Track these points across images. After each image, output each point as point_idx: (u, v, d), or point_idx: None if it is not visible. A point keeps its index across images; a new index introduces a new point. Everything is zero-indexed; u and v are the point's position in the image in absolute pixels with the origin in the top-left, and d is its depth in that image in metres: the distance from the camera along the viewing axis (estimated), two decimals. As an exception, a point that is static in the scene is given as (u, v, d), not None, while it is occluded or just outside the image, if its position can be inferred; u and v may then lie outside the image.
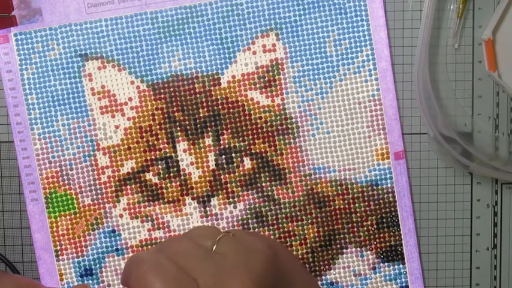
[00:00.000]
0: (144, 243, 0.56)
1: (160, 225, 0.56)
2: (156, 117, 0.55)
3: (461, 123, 0.57)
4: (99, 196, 0.56)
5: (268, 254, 0.46)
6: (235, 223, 0.56)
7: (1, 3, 0.54)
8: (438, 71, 0.57)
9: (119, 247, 0.56)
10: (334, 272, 0.57)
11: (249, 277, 0.43)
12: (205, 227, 0.53)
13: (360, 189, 0.56)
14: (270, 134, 0.56)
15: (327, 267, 0.57)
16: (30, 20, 0.55)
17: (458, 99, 0.57)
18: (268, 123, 0.56)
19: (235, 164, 0.56)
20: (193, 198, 0.56)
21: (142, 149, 0.56)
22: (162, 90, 0.55)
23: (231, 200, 0.56)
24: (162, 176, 0.56)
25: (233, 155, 0.56)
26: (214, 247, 0.45)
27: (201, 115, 0.55)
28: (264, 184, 0.56)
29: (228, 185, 0.56)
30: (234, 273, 0.43)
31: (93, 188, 0.56)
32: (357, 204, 0.56)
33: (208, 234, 0.47)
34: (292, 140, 0.56)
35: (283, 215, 0.56)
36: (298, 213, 0.56)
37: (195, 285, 0.41)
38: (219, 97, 0.55)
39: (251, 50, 0.55)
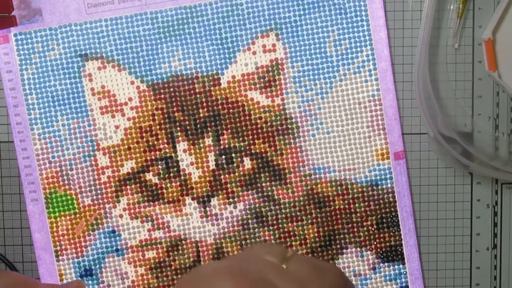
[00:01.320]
0: (144, 243, 0.56)
1: (160, 226, 0.56)
2: (156, 117, 0.55)
3: (461, 123, 0.57)
4: (99, 196, 0.56)
5: (338, 273, 0.45)
6: (235, 223, 0.56)
7: (1, 4, 0.54)
8: (438, 71, 0.57)
9: (119, 247, 0.56)
10: (334, 272, 0.57)
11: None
12: (268, 244, 0.53)
13: (360, 190, 0.56)
14: (270, 134, 0.56)
15: (327, 267, 0.57)
16: (30, 20, 0.55)
17: (458, 99, 0.57)
18: (268, 124, 0.56)
19: (235, 164, 0.56)
20: (193, 199, 0.56)
21: (142, 149, 0.56)
22: (162, 91, 0.55)
23: (231, 200, 0.56)
24: (162, 176, 0.56)
25: (233, 155, 0.56)
26: (285, 265, 0.44)
27: (201, 115, 0.55)
28: (264, 184, 0.56)
29: (228, 185, 0.56)
30: (315, 283, 0.41)
31: (93, 188, 0.56)
32: (357, 205, 0.56)
33: (275, 252, 0.44)
34: (292, 140, 0.56)
35: (283, 215, 0.56)
36: (298, 213, 0.56)
37: None
38: (219, 97, 0.55)
39: (251, 50, 0.55)
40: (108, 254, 0.57)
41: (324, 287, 0.42)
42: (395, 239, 0.56)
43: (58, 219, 0.56)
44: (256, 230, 0.56)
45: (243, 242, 0.57)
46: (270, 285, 0.39)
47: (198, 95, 0.55)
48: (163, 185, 0.56)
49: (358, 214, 0.56)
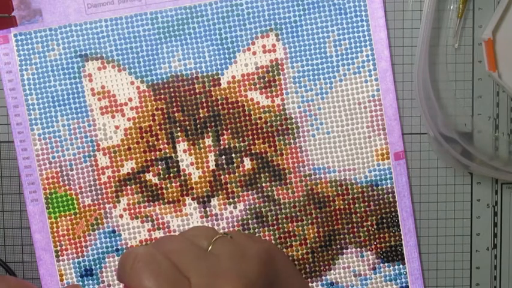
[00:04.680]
0: (144, 243, 0.57)
1: (161, 226, 0.56)
2: (156, 117, 0.55)
3: (461, 123, 0.57)
4: (99, 196, 0.56)
5: (263, 259, 0.47)
6: (235, 223, 0.56)
7: (1, 4, 0.54)
8: (438, 71, 0.57)
9: (119, 247, 0.57)
10: (334, 273, 0.57)
11: (240, 281, 0.43)
12: (202, 227, 0.53)
13: (360, 190, 0.56)
14: (270, 134, 0.56)
15: (327, 267, 0.57)
16: (30, 20, 0.55)
17: (458, 99, 0.57)
18: (268, 124, 0.56)
19: (235, 165, 0.56)
20: (193, 199, 0.56)
21: (142, 150, 0.56)
22: (162, 91, 0.55)
23: (231, 200, 0.56)
24: (162, 176, 0.56)
25: (233, 155, 0.56)
26: (210, 247, 0.46)
27: (201, 115, 0.55)
28: (264, 184, 0.56)
29: (228, 186, 0.56)
30: (226, 276, 0.43)
31: (93, 188, 0.56)
32: (357, 205, 0.56)
33: (204, 235, 0.47)
34: (292, 141, 0.56)
35: (283, 216, 0.56)
36: (298, 213, 0.56)
37: (187, 284, 0.41)
38: (219, 97, 0.55)
39: (251, 51, 0.55)
40: (109, 254, 0.57)
41: (235, 272, 0.43)
42: (396, 239, 0.57)
43: (58, 219, 0.56)
44: (256, 230, 0.56)
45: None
46: (179, 275, 0.42)
47: (198, 95, 0.55)
48: (164, 185, 0.56)
49: (358, 214, 0.56)
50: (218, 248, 0.46)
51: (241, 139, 0.55)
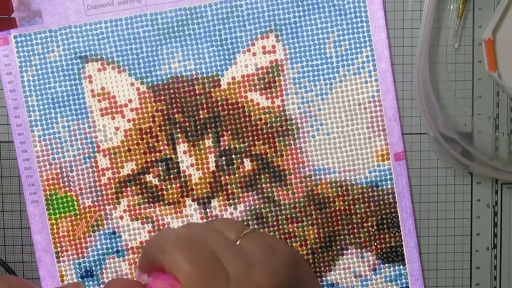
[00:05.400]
0: (144, 244, 0.57)
1: (161, 227, 0.56)
2: (156, 118, 0.55)
3: (461, 123, 0.57)
4: (100, 198, 0.56)
5: (291, 259, 0.46)
6: (236, 224, 0.56)
7: (1, 5, 0.54)
8: (438, 71, 0.57)
9: (120, 249, 0.57)
10: (334, 273, 0.57)
11: (274, 276, 0.42)
12: (229, 219, 0.54)
13: (360, 191, 0.56)
14: (270, 135, 0.56)
15: (327, 268, 0.57)
16: (30, 22, 0.55)
17: (458, 99, 0.57)
18: (268, 125, 0.56)
19: (235, 166, 0.56)
20: (193, 200, 0.56)
21: (142, 151, 0.56)
22: (162, 92, 0.55)
23: (231, 201, 0.56)
24: (162, 177, 0.56)
25: (233, 156, 0.56)
26: (239, 241, 0.45)
27: (201, 117, 0.55)
28: (264, 185, 0.56)
29: (228, 187, 0.56)
30: (261, 268, 0.42)
31: (93, 189, 0.56)
32: (357, 206, 0.56)
33: (234, 227, 0.47)
34: (292, 142, 0.56)
35: (284, 217, 0.56)
36: (298, 214, 0.56)
37: (225, 273, 0.41)
38: (219, 99, 0.55)
39: (251, 52, 0.55)
40: (109, 255, 0.57)
41: (268, 267, 0.43)
42: (396, 240, 0.57)
43: (58, 220, 0.56)
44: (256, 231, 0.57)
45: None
46: (219, 264, 0.41)
47: (198, 97, 0.55)
48: (164, 187, 0.56)
49: (359, 215, 0.56)
50: (247, 242, 0.45)
51: (241, 140, 0.55)
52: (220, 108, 0.55)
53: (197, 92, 0.55)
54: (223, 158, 0.56)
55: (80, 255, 0.57)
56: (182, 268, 0.40)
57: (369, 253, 0.57)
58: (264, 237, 0.47)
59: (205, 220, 0.56)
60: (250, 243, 0.45)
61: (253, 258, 0.43)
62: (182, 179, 0.56)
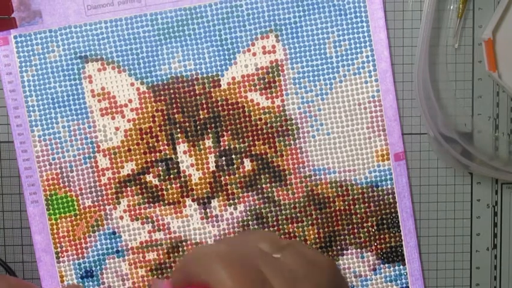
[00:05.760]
0: (144, 244, 0.57)
1: (161, 227, 0.56)
2: (156, 119, 0.55)
3: (461, 123, 0.57)
4: (100, 198, 0.56)
5: (332, 268, 0.46)
6: (236, 225, 0.56)
7: (1, 5, 0.54)
8: (438, 71, 0.57)
9: (119, 249, 0.57)
10: (334, 273, 0.57)
11: None
12: (262, 232, 0.53)
13: (360, 191, 0.56)
14: (270, 135, 0.56)
15: (327, 268, 0.57)
16: (30, 22, 0.55)
17: (458, 99, 0.57)
18: (268, 125, 0.56)
19: (235, 166, 0.56)
20: (193, 200, 0.56)
21: (142, 151, 0.56)
22: (162, 92, 0.55)
23: (231, 201, 0.56)
24: (162, 177, 0.56)
25: (233, 156, 0.56)
26: (281, 255, 0.45)
27: (201, 117, 0.55)
28: (264, 185, 0.56)
29: (228, 187, 0.56)
30: (305, 283, 0.42)
31: (93, 189, 0.56)
32: (357, 206, 0.56)
33: (267, 240, 0.46)
34: (292, 142, 0.56)
35: (284, 217, 0.56)
36: (298, 214, 0.56)
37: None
38: (219, 99, 0.55)
39: (251, 52, 0.55)
40: (109, 256, 0.57)
41: (312, 282, 0.42)
42: (396, 240, 0.57)
43: (58, 221, 0.56)
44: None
45: (244, 243, 0.57)
46: (264, 279, 0.39)
47: (198, 97, 0.55)
48: (164, 187, 0.56)
49: (359, 215, 0.56)
50: (288, 257, 0.44)
51: (241, 140, 0.55)
52: (220, 108, 0.55)
53: (197, 92, 0.55)
54: (223, 158, 0.56)
55: (80, 255, 0.57)
56: (227, 286, 0.40)
57: (369, 253, 0.57)
58: (303, 249, 0.46)
59: (205, 220, 0.56)
60: (291, 258, 0.44)
61: (296, 273, 0.43)
62: (182, 179, 0.56)
